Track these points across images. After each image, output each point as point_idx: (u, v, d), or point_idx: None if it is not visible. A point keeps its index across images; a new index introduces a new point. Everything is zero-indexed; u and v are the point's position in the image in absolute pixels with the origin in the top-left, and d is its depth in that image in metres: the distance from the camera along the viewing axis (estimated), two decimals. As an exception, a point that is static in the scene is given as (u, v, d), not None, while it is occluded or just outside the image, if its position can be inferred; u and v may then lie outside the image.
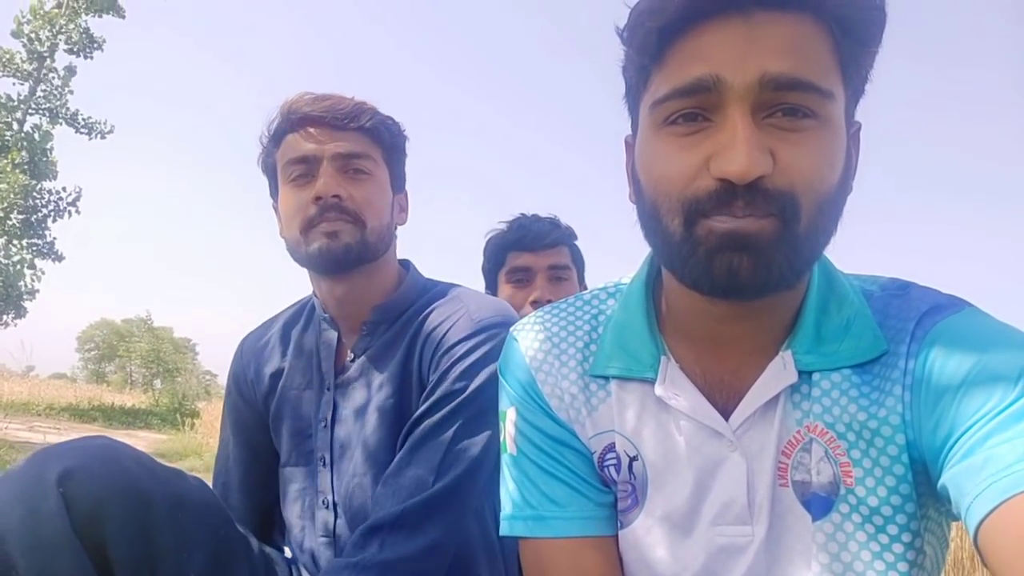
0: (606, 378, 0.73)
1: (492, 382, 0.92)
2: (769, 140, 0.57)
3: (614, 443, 0.72)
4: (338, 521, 1.07)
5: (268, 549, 1.04)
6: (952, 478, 0.56)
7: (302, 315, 1.20)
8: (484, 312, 1.04)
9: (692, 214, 0.59)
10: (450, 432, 0.95)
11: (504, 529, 0.76)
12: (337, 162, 1.05)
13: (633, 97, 0.68)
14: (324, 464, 1.09)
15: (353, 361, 1.10)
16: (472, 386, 0.97)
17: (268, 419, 1.18)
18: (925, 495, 0.62)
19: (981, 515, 0.52)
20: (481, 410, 0.96)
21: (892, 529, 0.62)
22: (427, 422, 0.97)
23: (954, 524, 0.70)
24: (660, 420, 0.70)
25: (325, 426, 1.09)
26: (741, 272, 0.59)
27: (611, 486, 0.74)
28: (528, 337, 0.79)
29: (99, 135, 14.98)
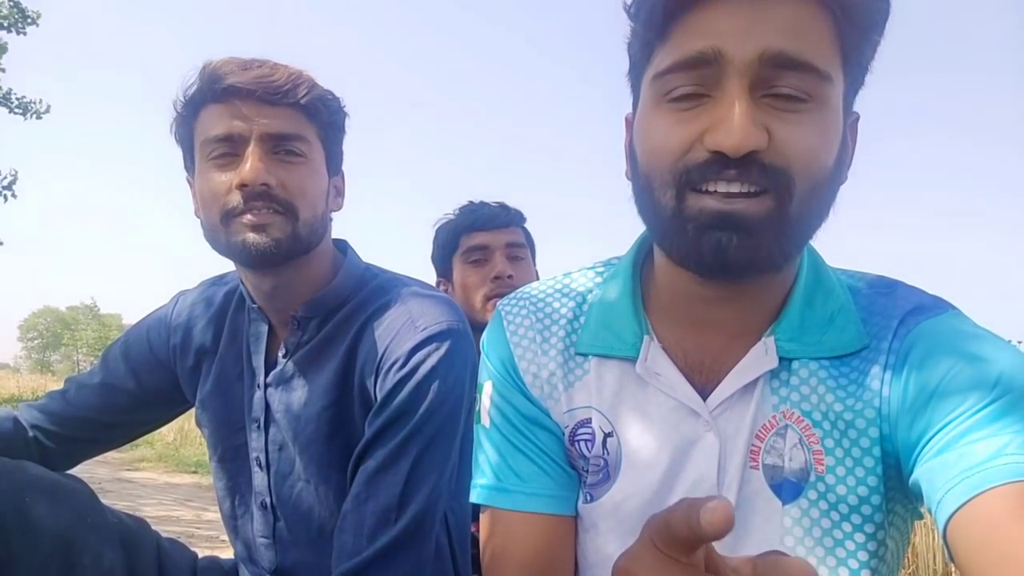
0: (587, 355, 0.75)
1: (443, 397, 0.91)
2: (766, 117, 0.58)
3: (589, 419, 0.74)
4: (278, 524, 1.03)
5: (127, 518, 1.01)
6: (925, 473, 0.58)
7: (237, 291, 1.11)
8: (428, 318, 0.95)
9: (683, 186, 0.60)
10: (408, 460, 0.90)
11: (473, 496, 0.78)
12: (266, 143, 0.93)
13: (636, 73, 0.68)
14: (260, 466, 1.04)
15: (286, 357, 1.02)
16: (424, 406, 0.91)
17: (153, 394, 1.12)
18: (893, 489, 0.64)
19: (951, 509, 0.54)
20: (438, 430, 0.92)
21: (856, 519, 0.64)
22: (382, 451, 0.91)
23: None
24: (639, 399, 0.71)
25: (259, 427, 1.03)
26: (730, 251, 0.59)
27: (580, 462, 0.75)
28: (512, 312, 0.80)
29: (35, 115, 14.31)
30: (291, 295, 1.00)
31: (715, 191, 0.59)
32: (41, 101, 14.31)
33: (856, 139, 0.67)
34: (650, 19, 0.62)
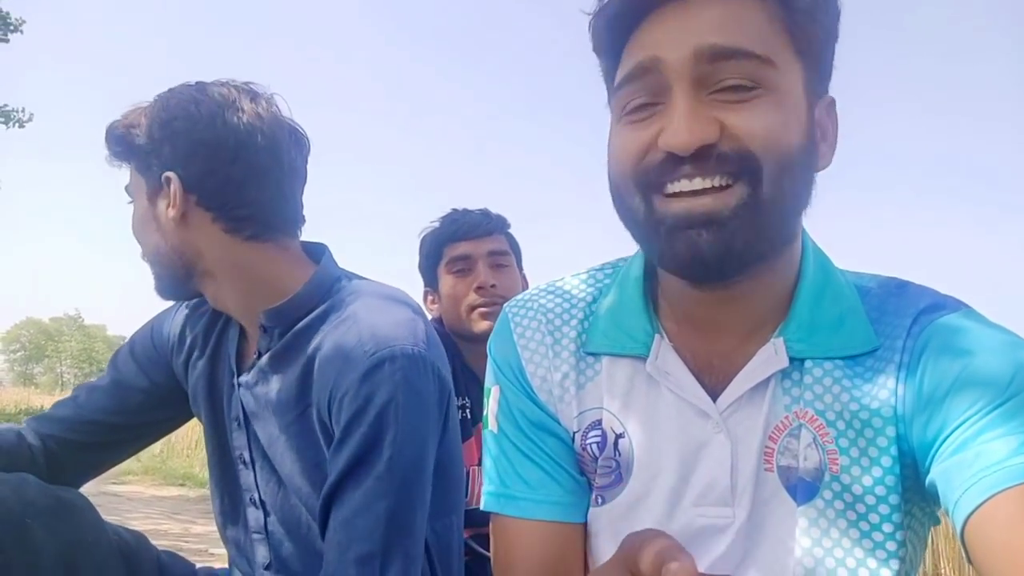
0: (598, 355, 0.74)
1: (410, 429, 0.87)
2: (715, 111, 0.60)
3: (600, 420, 0.73)
4: (268, 519, 1.02)
5: (127, 534, 0.99)
6: (942, 473, 0.57)
7: None
8: (377, 341, 0.89)
9: (646, 189, 0.63)
10: (383, 502, 0.85)
11: (482, 504, 0.77)
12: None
13: (609, 101, 0.71)
14: (245, 463, 1.04)
15: (258, 359, 1.01)
16: (388, 441, 0.86)
17: (165, 391, 1.12)
18: (910, 490, 0.64)
19: (969, 510, 0.53)
20: (411, 466, 0.88)
21: (874, 517, 0.63)
22: (354, 492, 0.86)
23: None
24: (649, 398, 0.71)
25: (239, 425, 1.03)
26: (703, 248, 0.60)
27: (590, 465, 0.74)
28: (520, 315, 0.79)
29: (16, 124, 14.18)
30: (246, 308, 1.00)
31: (680, 191, 0.61)
32: (24, 110, 14.20)
33: (836, 123, 0.68)
34: (601, 47, 0.67)
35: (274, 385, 0.98)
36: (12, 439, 1.04)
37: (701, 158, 0.59)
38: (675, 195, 0.61)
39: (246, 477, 1.04)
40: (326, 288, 0.99)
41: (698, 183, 0.60)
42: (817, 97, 0.65)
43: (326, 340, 0.93)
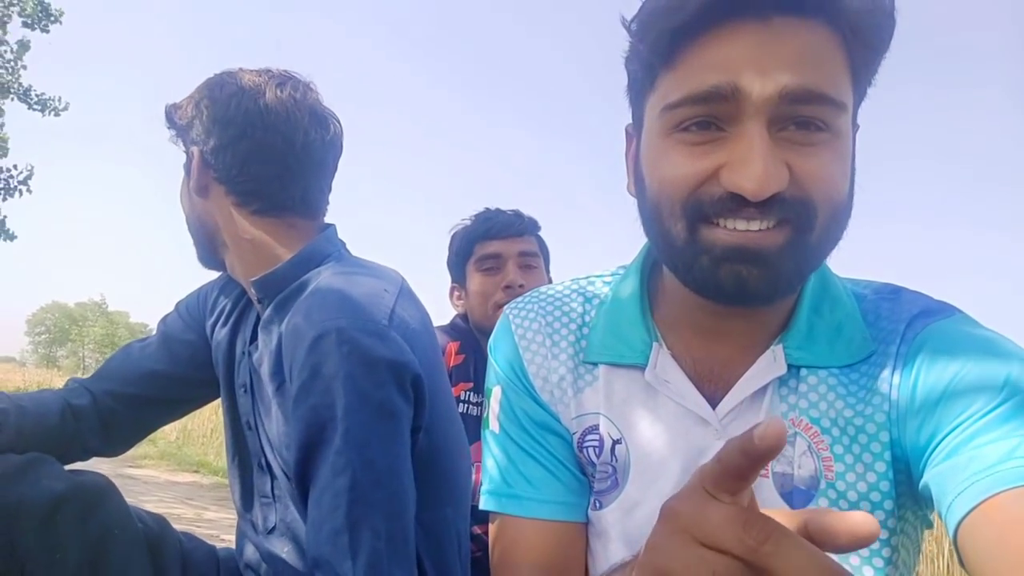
0: (596, 364, 0.74)
1: (359, 401, 0.83)
2: (784, 152, 0.57)
3: (597, 425, 0.73)
4: (275, 482, 1.03)
5: (150, 519, 0.99)
6: (935, 477, 0.57)
7: None
8: (323, 313, 0.87)
9: (695, 219, 0.60)
10: (345, 477, 0.82)
11: (482, 503, 0.77)
12: None
13: (637, 92, 0.67)
14: (250, 428, 1.06)
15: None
16: (339, 414, 0.82)
17: (200, 353, 1.14)
18: (904, 495, 0.64)
19: (962, 513, 0.53)
20: (365, 441, 0.83)
21: None
22: (324, 468, 0.83)
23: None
24: (648, 406, 0.71)
25: (246, 391, 1.05)
26: (750, 283, 0.59)
27: (588, 468, 0.74)
28: (520, 316, 0.80)
29: (53, 112, 14.47)
30: (244, 279, 1.05)
31: (733, 228, 0.59)
32: (60, 99, 14.48)
33: (855, 149, 0.66)
34: (655, 44, 0.60)
35: (264, 356, 0.99)
36: (53, 419, 1.03)
37: (766, 203, 0.57)
38: (725, 228, 0.59)
39: (253, 442, 1.05)
40: (314, 262, 1.00)
41: (755, 225, 0.58)
42: (854, 128, 0.64)
43: (294, 313, 0.92)
